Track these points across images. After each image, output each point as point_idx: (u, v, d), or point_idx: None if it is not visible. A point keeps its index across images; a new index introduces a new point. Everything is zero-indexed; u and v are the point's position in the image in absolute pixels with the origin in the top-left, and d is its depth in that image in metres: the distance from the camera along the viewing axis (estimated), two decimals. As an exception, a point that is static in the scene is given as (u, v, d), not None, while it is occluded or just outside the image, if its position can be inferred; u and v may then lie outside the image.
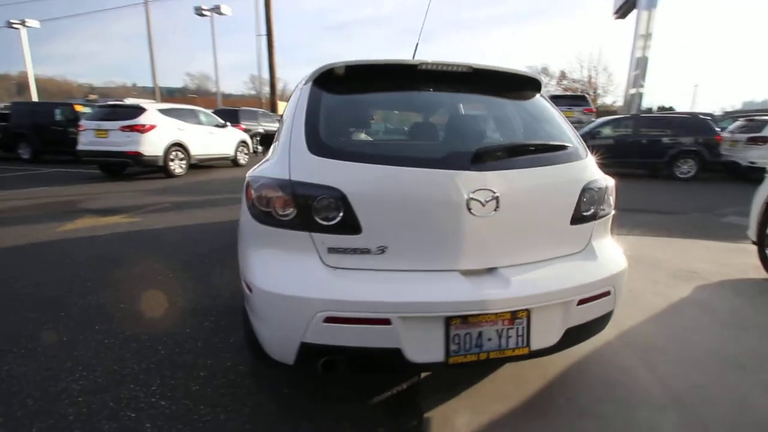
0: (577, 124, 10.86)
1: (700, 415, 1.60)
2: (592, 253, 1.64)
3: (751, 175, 9.05)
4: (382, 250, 1.40)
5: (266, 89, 21.37)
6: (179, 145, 8.30)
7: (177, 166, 8.33)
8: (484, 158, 1.44)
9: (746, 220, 5.42)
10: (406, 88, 1.71)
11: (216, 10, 15.62)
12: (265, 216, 1.46)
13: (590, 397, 1.71)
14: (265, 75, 20.98)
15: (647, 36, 10.22)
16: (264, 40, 18.67)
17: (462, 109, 1.75)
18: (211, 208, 5.55)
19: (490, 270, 1.48)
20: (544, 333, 1.45)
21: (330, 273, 1.37)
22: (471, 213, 1.39)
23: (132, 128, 7.52)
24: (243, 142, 10.66)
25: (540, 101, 1.84)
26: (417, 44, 1.97)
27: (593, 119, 11.91)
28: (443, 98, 1.77)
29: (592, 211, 1.64)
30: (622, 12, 11.54)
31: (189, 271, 3.15)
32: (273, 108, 18.37)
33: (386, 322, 1.30)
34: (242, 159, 10.71)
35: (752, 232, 3.40)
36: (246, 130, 11.47)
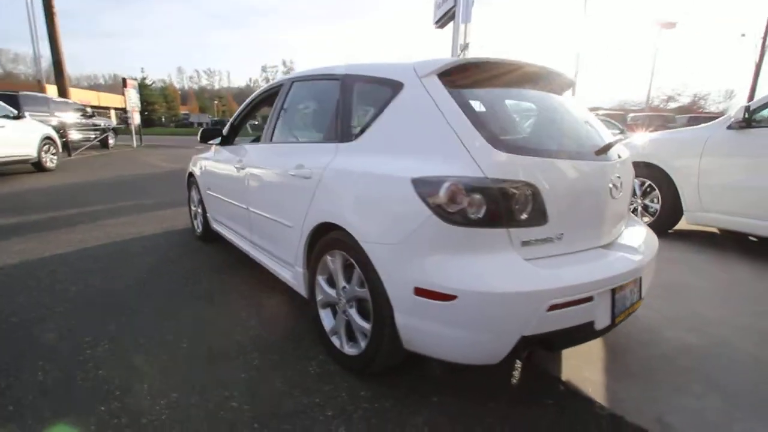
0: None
1: (707, 326, 2.29)
2: (638, 222, 2.14)
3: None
4: (560, 236, 1.52)
5: (21, 68, 16.28)
6: (-47, 145, 5.72)
7: (-46, 176, 5.74)
8: (607, 150, 1.72)
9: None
10: (517, 86, 1.84)
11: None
12: (455, 216, 1.38)
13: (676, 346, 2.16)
14: (26, 49, 16.01)
15: (465, 46, 12.10)
16: (38, 3, 14.09)
17: (555, 105, 1.97)
18: (75, 228, 4.16)
19: (610, 244, 1.78)
20: (646, 285, 1.85)
21: (535, 263, 1.42)
22: (612, 196, 1.66)
23: None
24: (48, 139, 8.07)
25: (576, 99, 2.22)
26: (468, 44, 2.07)
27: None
28: (540, 96, 1.95)
29: (630, 191, 2.13)
30: (441, 23, 13.19)
31: (144, 311, 2.40)
32: (63, 93, 14.13)
33: (590, 299, 1.45)
34: (50, 161, 8.12)
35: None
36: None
